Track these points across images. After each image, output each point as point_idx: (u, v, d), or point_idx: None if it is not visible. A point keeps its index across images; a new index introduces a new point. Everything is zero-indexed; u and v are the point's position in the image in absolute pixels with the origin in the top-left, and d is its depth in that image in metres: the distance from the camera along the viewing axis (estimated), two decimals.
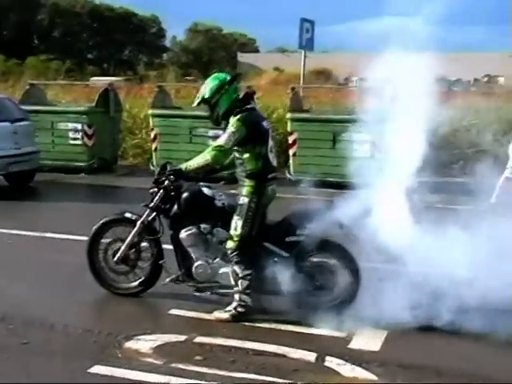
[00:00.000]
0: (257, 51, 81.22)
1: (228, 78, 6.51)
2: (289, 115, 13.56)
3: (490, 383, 5.26)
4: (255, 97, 9.98)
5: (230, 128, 6.25)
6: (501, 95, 19.22)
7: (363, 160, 13.11)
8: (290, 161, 13.45)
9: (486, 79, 50.17)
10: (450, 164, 15.18)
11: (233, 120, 6.27)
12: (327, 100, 17.75)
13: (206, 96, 6.44)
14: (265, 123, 6.53)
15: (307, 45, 16.16)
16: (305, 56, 16.48)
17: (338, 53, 43.39)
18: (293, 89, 14.57)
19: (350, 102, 17.70)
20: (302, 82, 16.58)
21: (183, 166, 6.44)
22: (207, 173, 6.74)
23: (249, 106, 6.46)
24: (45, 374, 5.25)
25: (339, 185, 12.96)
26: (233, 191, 7.09)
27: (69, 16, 72.40)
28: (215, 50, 79.80)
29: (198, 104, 6.61)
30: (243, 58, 71.73)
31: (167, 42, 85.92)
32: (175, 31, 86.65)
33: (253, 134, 6.29)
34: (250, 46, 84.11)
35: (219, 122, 6.47)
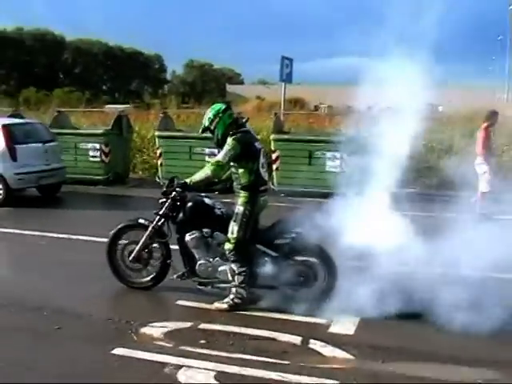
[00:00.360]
0: (242, 83, 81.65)
1: (222, 107, 6.45)
2: (272, 136, 13.51)
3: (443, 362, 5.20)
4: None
5: (227, 146, 6.20)
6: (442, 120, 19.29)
7: (335, 174, 13.21)
8: (274, 174, 13.37)
9: (429, 107, 50.19)
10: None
11: (229, 139, 6.22)
12: (303, 124, 17.72)
13: (206, 124, 6.46)
14: (257, 144, 6.45)
15: (287, 78, 16.12)
16: (285, 87, 16.43)
17: (307, 85, 43.57)
18: (275, 114, 14.53)
19: (320, 125, 17.82)
20: (282, 108, 16.53)
21: (188, 180, 6.37)
22: (207, 185, 6.63)
23: (243, 129, 6.40)
24: (76, 355, 5.14)
25: (314, 194, 12.97)
26: (225, 200, 7.04)
27: (87, 56, 73.01)
28: (207, 82, 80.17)
29: (203, 131, 6.57)
30: (231, 88, 72.01)
31: (168, 76, 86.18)
32: (175, 66, 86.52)
33: (246, 152, 6.23)
34: (236, 79, 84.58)
35: (219, 143, 6.37)
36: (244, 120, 6.62)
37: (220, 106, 6.50)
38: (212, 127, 6.39)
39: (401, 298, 5.95)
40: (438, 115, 28.02)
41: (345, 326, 5.86)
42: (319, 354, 5.28)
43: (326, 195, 12.94)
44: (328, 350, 5.33)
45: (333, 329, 5.81)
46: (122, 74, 75.08)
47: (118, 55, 76.01)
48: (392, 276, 6.11)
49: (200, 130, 6.61)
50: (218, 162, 6.21)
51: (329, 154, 13.17)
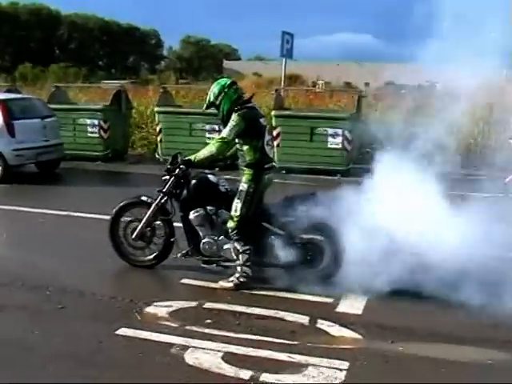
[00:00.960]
0: (239, 59, 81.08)
1: (228, 82, 6.29)
2: (273, 112, 13.31)
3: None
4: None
5: (231, 122, 6.06)
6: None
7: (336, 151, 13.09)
8: (275, 151, 13.19)
9: (428, 84, 50.07)
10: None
11: (234, 115, 6.07)
12: (303, 100, 17.52)
13: (211, 99, 6.27)
14: (262, 120, 6.31)
15: (287, 54, 15.88)
16: (285, 63, 16.20)
17: (304, 61, 43.16)
18: (276, 90, 14.32)
19: (321, 102, 17.63)
20: (282, 84, 16.31)
21: (192, 157, 6.22)
22: (211, 162, 6.51)
23: (249, 105, 6.26)
24: (79, 336, 5.02)
25: (315, 171, 12.88)
26: (226, 177, 6.90)
27: (83, 31, 72.37)
28: (204, 58, 79.65)
29: (207, 107, 6.38)
30: (228, 64, 71.52)
31: (164, 51, 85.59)
32: (171, 41, 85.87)
33: (250, 128, 6.09)
34: (233, 55, 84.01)
35: (224, 119, 6.21)
36: (249, 96, 6.46)
37: (225, 80, 6.34)
38: (217, 102, 6.22)
39: (411, 278, 5.85)
40: (437, 93, 28.02)
41: (353, 305, 5.76)
42: (327, 333, 5.19)
43: (328, 172, 12.96)
44: (336, 330, 5.24)
45: (340, 308, 5.71)
46: (118, 49, 74.48)
47: (114, 30, 75.31)
48: (403, 256, 6.00)
49: (204, 106, 6.42)
50: (222, 138, 6.06)
51: (331, 131, 13.01)
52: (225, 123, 6.17)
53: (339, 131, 12.98)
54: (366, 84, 41.56)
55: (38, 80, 26.92)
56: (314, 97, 17.79)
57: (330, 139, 13.05)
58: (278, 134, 13.20)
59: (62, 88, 16.96)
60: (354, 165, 13.59)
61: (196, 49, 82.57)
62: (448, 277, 5.75)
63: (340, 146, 13.04)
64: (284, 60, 16.05)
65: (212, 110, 6.44)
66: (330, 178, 12.65)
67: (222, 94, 6.20)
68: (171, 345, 4.83)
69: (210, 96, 6.27)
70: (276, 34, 15.69)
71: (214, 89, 6.26)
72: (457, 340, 5.12)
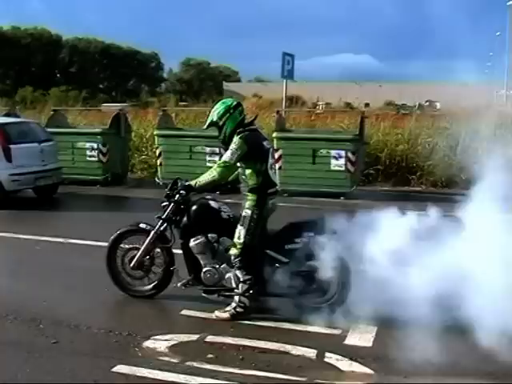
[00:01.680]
0: (239, 81, 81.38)
1: (234, 103, 6.07)
2: (275, 134, 13.07)
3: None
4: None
5: (233, 146, 5.81)
6: (441, 117, 18.95)
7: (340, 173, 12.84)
8: (277, 173, 12.94)
9: (427, 104, 50.37)
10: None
11: (236, 138, 5.83)
12: (305, 122, 17.32)
13: (214, 119, 6.02)
14: (265, 143, 6.07)
15: (288, 75, 15.68)
16: (286, 84, 16.01)
17: (304, 82, 43.09)
18: (277, 112, 14.12)
19: (322, 123, 17.42)
20: (283, 106, 16.12)
21: (193, 182, 5.97)
22: (213, 187, 6.25)
23: (251, 127, 6.02)
24: (74, 373, 4.72)
25: (318, 194, 12.63)
26: (227, 201, 6.66)
27: (84, 54, 72.74)
28: (204, 80, 79.89)
29: (208, 127, 6.14)
30: (228, 86, 71.67)
31: (165, 74, 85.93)
32: (171, 64, 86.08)
33: (253, 152, 5.85)
34: (233, 77, 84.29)
35: (226, 140, 5.96)
36: (252, 118, 6.22)
37: (231, 101, 6.12)
38: (221, 123, 5.97)
39: (423, 306, 5.52)
40: (437, 112, 27.87)
41: (362, 336, 5.46)
42: (336, 368, 4.89)
43: (331, 195, 12.70)
44: (346, 364, 4.94)
45: (349, 340, 5.41)
46: (118, 72, 74.70)
47: (115, 54, 75.60)
48: (414, 282, 5.71)
49: (205, 125, 6.16)
50: (225, 162, 5.81)
51: (333, 153, 12.77)
52: (226, 145, 5.93)
53: (342, 153, 12.74)
54: (367, 104, 41.48)
55: (37, 103, 26.75)
56: (316, 118, 17.58)
57: (333, 161, 12.80)
58: (279, 157, 12.96)
59: (60, 111, 16.84)
60: (358, 187, 13.35)
61: (196, 71, 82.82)
62: (466, 307, 5.43)
63: (343, 168, 12.79)
64: (285, 81, 15.85)
65: (213, 133, 6.20)
66: (333, 200, 12.39)
67: (227, 114, 5.97)
68: (171, 383, 4.53)
69: (214, 115, 6.03)
70: (276, 55, 15.58)
71: (219, 108, 6.02)
72: (476, 374, 4.82)
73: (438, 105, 43.01)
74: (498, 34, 66.66)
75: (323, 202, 12.09)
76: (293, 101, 30.82)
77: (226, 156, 5.82)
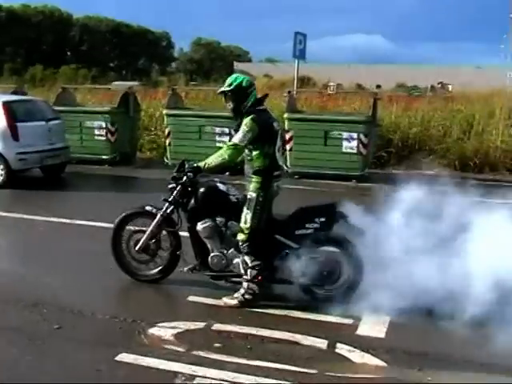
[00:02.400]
0: (250, 61, 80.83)
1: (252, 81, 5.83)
2: (286, 115, 12.80)
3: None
4: None
5: (244, 127, 5.56)
6: (454, 100, 18.62)
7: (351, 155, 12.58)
8: (287, 155, 12.72)
9: (439, 86, 49.89)
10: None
11: (246, 120, 5.58)
12: (316, 103, 17.01)
13: (244, 84, 5.70)
14: (275, 124, 5.84)
15: (300, 55, 15.35)
16: (298, 64, 15.67)
17: (314, 63, 42.62)
18: (289, 92, 13.83)
19: (334, 104, 17.13)
20: (295, 86, 15.81)
21: (201, 164, 5.72)
22: (222, 169, 6.02)
23: (261, 108, 5.77)
24: (76, 362, 4.55)
25: (330, 177, 12.39)
26: (237, 182, 6.46)
27: (95, 33, 72.34)
28: (215, 60, 79.41)
29: (225, 92, 5.76)
30: (238, 66, 71.09)
31: (175, 53, 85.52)
32: (182, 44, 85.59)
33: (264, 134, 5.61)
34: (244, 57, 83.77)
35: (242, 114, 5.67)
36: (262, 96, 5.95)
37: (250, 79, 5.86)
38: (248, 91, 5.68)
39: (438, 296, 5.31)
40: (449, 94, 27.47)
41: (374, 327, 5.25)
42: (348, 360, 4.69)
43: (343, 177, 12.46)
44: (357, 356, 4.74)
45: (361, 330, 5.20)
46: (129, 51, 74.23)
47: (125, 33, 75.09)
48: (429, 271, 5.49)
49: (227, 87, 5.72)
50: (235, 144, 5.57)
51: (345, 135, 12.49)
52: (239, 116, 5.69)
53: (354, 135, 12.46)
54: (378, 86, 41.03)
55: (47, 81, 26.51)
56: (327, 99, 17.27)
57: (345, 143, 12.52)
58: (290, 138, 12.72)
59: (69, 90, 16.57)
60: (370, 169, 13.10)
61: (207, 51, 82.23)
62: (481, 298, 5.21)
63: (355, 151, 12.52)
64: (296, 61, 15.52)
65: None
66: (344, 183, 12.16)
67: (253, 87, 5.74)
68: (176, 373, 4.35)
69: (244, 81, 5.71)
70: (287, 36, 15.20)
71: (246, 78, 5.78)
72: (491, 368, 4.61)
73: (450, 87, 42.59)
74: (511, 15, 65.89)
75: (334, 185, 11.86)
76: (304, 82, 30.49)
77: (237, 138, 5.59)
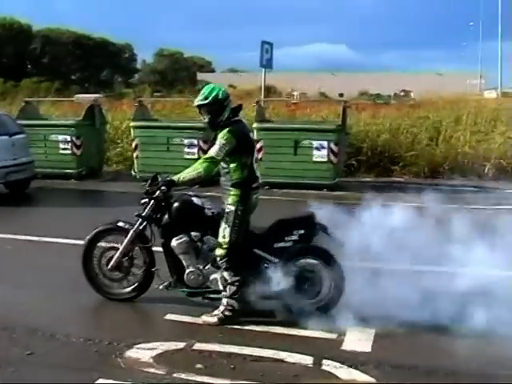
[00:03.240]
0: (213, 71, 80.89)
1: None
2: (255, 125, 12.65)
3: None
4: None
5: (221, 140, 5.36)
6: (419, 107, 18.76)
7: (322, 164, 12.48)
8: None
9: (402, 93, 50.52)
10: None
11: (223, 132, 5.39)
12: (284, 112, 16.91)
13: (220, 97, 5.49)
14: (251, 135, 5.66)
15: (267, 64, 15.23)
16: (265, 74, 15.55)
17: (276, 72, 42.76)
18: (257, 102, 13.69)
19: (302, 113, 17.06)
20: (263, 96, 15.69)
21: (175, 177, 5.52)
22: (196, 183, 5.81)
23: (236, 119, 5.59)
24: None
25: (301, 186, 12.26)
26: (207, 194, 6.37)
27: (56, 45, 71.42)
28: (178, 71, 79.24)
29: (201, 106, 5.54)
30: (201, 76, 71.02)
31: (138, 65, 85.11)
32: (145, 55, 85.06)
33: (241, 145, 5.44)
34: (206, 67, 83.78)
35: (218, 126, 5.48)
36: (236, 106, 5.77)
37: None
38: (224, 104, 5.48)
39: (424, 306, 5.21)
40: (412, 101, 27.72)
41: (360, 341, 5.09)
42: (335, 377, 4.52)
43: (314, 186, 12.33)
44: (345, 372, 4.58)
45: (347, 345, 5.04)
46: (91, 63, 73.49)
47: (88, 44, 74.31)
48: (410, 279, 5.38)
49: (202, 101, 5.52)
50: (211, 158, 5.37)
51: (315, 143, 12.40)
52: (215, 130, 5.50)
53: (324, 143, 12.38)
54: (341, 95, 41.28)
55: (8, 95, 25.96)
56: (295, 108, 17.18)
57: (315, 152, 12.44)
58: (260, 148, 12.55)
59: (32, 103, 16.22)
60: (341, 178, 13.01)
61: (170, 62, 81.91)
62: (467, 306, 5.11)
63: (326, 159, 12.44)
64: (263, 70, 15.40)
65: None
66: (316, 192, 12.04)
67: (227, 100, 5.53)
68: None
69: (219, 93, 5.48)
70: (248, 45, 15.06)
71: (222, 89, 5.57)
72: (483, 379, 4.49)
73: (413, 94, 43.12)
74: (472, 24, 67.06)
75: (306, 195, 11.71)
76: (268, 91, 30.43)
77: (214, 151, 5.39)
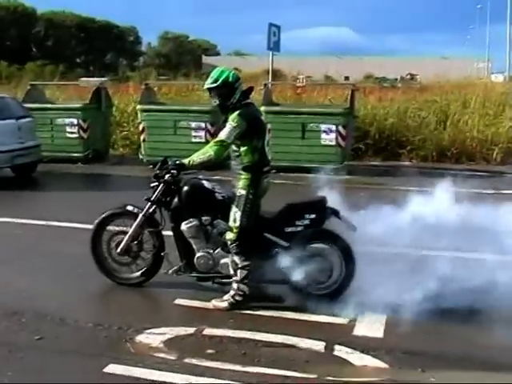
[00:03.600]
0: (218, 54, 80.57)
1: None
2: (263, 108, 12.43)
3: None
4: None
5: (231, 123, 5.29)
6: (426, 90, 18.62)
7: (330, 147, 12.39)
8: None
9: (408, 77, 50.27)
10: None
11: (233, 115, 5.31)
12: (291, 95, 16.80)
13: (231, 80, 5.41)
14: (262, 118, 5.58)
15: (274, 47, 15.10)
16: (272, 57, 15.43)
17: (281, 55, 42.52)
18: (265, 85, 13.58)
19: (309, 96, 16.95)
20: (270, 79, 15.57)
21: (186, 161, 5.45)
22: (206, 166, 5.74)
23: (247, 101, 5.52)
24: (60, 377, 4.24)
25: (309, 170, 12.16)
26: (215, 177, 6.27)
27: (60, 28, 71.19)
28: (183, 54, 78.92)
29: (212, 89, 5.47)
30: (207, 60, 70.84)
31: (143, 48, 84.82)
32: (150, 38, 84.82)
33: (252, 128, 5.37)
34: (212, 51, 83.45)
35: (229, 109, 5.41)
36: (247, 88, 5.68)
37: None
38: (235, 85, 5.42)
39: (436, 291, 5.14)
40: (418, 85, 27.53)
41: (371, 326, 5.05)
42: (348, 362, 4.48)
43: (321, 170, 12.20)
44: (357, 358, 4.53)
45: (358, 330, 4.99)
46: (96, 46, 73.22)
47: (92, 27, 74.01)
48: (422, 263, 5.32)
49: (212, 84, 5.44)
50: (222, 141, 5.29)
51: (323, 127, 12.29)
52: (226, 113, 5.44)
53: (333, 127, 12.27)
54: (346, 78, 41.08)
55: (13, 78, 25.88)
56: (302, 91, 17.05)
57: (323, 135, 12.34)
58: (268, 131, 12.46)
59: (38, 86, 16.08)
60: (349, 162, 12.92)
61: (174, 45, 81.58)
62: (480, 290, 5.05)
63: (334, 143, 12.34)
64: (271, 53, 15.27)
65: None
66: (324, 176, 11.92)
67: (238, 83, 5.45)
68: None
69: (229, 76, 5.41)
70: (253, 28, 14.93)
71: (232, 72, 5.50)
72: (495, 366, 4.44)
73: (419, 78, 42.93)
74: (479, 6, 66.45)
75: (314, 179, 11.63)
76: (274, 74, 30.23)
77: (224, 134, 5.31)
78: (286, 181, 11.25)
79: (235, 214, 5.39)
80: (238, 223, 5.38)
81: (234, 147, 5.44)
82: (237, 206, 5.40)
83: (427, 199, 5.87)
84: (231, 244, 5.43)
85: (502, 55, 50.40)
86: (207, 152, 5.33)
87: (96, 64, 66.49)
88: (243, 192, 5.39)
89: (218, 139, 5.36)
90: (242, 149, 5.40)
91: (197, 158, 5.38)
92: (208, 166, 5.51)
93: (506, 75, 40.11)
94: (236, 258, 5.45)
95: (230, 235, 5.43)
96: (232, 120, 5.28)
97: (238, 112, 5.31)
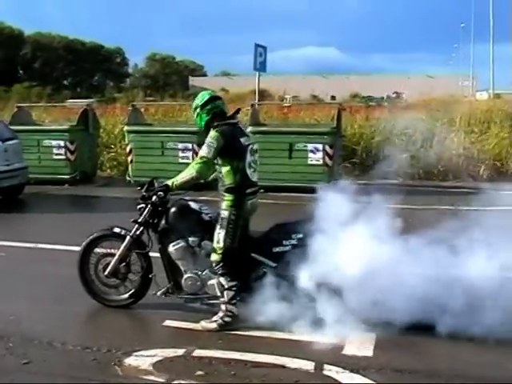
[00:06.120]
0: (205, 75, 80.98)
1: (213, 95, 5.68)
2: (250, 128, 12.51)
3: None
4: None
5: (209, 139, 5.38)
6: (412, 109, 18.77)
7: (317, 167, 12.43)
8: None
9: (394, 95, 50.68)
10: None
11: (212, 132, 5.40)
12: (278, 115, 16.90)
13: (206, 100, 5.57)
14: (243, 139, 5.59)
15: (260, 67, 15.18)
16: (259, 77, 15.51)
17: (268, 75, 42.79)
18: (252, 105, 13.65)
19: (295, 116, 17.04)
20: (257, 99, 15.65)
21: (169, 182, 5.50)
22: (192, 186, 5.75)
23: (230, 121, 5.56)
24: None
25: (296, 189, 12.21)
26: (202, 198, 6.24)
27: (47, 50, 71.34)
28: (170, 75, 79.24)
29: (196, 107, 5.63)
30: (194, 81, 71.15)
31: (130, 69, 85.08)
32: (136, 59, 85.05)
33: (230, 147, 5.40)
34: (198, 71, 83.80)
35: (209, 129, 5.50)
36: (234, 111, 5.73)
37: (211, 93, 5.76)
38: (208, 106, 5.56)
39: (424, 308, 5.13)
40: (404, 103, 27.78)
41: (361, 345, 5.03)
42: (338, 382, 4.46)
43: (309, 190, 12.25)
44: (347, 377, 4.51)
45: (348, 350, 4.98)
46: (83, 68, 73.47)
47: (79, 49, 74.27)
48: (410, 281, 5.32)
49: (194, 107, 5.66)
50: (201, 157, 5.36)
51: (310, 146, 12.36)
52: (204, 132, 5.54)
53: (319, 146, 12.35)
54: (333, 97, 41.37)
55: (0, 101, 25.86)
56: (288, 111, 17.15)
57: (310, 155, 12.41)
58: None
59: (25, 108, 16.10)
60: (336, 180, 12.95)
61: (161, 66, 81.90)
62: (468, 305, 5.06)
63: (321, 162, 12.40)
64: (257, 74, 15.36)
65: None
66: (311, 195, 11.97)
67: (211, 103, 5.55)
68: None
69: (204, 97, 5.58)
70: (240, 49, 15.02)
71: (206, 93, 5.70)
72: (487, 382, 4.45)
73: (404, 96, 43.31)
74: (463, 25, 67.24)
75: (301, 198, 11.67)
76: (260, 94, 30.37)
77: (203, 151, 5.39)
78: (273, 200, 11.27)
79: (219, 235, 5.41)
80: (221, 244, 5.39)
81: (217, 168, 5.49)
82: (220, 227, 5.41)
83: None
84: (216, 265, 5.43)
85: (486, 73, 50.91)
86: (189, 170, 5.40)
87: (83, 85, 66.69)
88: (226, 213, 5.41)
89: (198, 157, 5.45)
90: (223, 170, 5.45)
91: (180, 178, 5.44)
92: (194, 184, 5.54)
93: (490, 93, 40.50)
94: (222, 279, 5.44)
95: (214, 256, 5.43)
96: (210, 137, 5.37)
97: (216, 129, 5.38)
